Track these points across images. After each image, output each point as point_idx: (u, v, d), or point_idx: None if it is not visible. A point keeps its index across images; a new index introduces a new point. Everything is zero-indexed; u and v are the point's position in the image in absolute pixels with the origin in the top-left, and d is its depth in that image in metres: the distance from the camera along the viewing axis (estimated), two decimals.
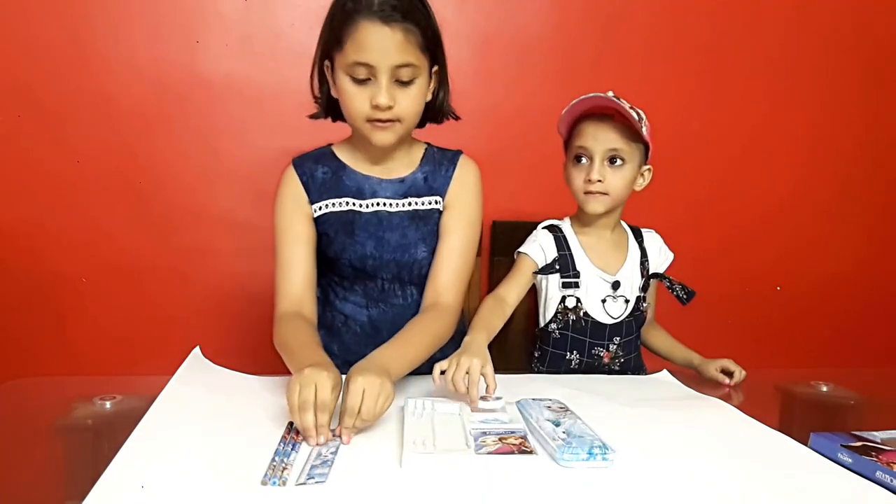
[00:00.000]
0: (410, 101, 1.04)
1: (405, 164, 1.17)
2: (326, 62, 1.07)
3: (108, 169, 1.67)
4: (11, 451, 0.81)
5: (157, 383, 0.93)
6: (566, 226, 1.27)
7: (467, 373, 0.92)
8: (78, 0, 1.61)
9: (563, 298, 1.22)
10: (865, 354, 2.09)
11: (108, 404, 0.91)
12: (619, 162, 1.17)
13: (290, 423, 0.83)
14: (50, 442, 0.86)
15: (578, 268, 1.22)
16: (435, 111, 1.15)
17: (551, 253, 1.23)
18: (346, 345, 1.20)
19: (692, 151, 1.89)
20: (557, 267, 1.22)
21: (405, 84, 1.02)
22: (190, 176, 1.71)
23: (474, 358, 0.93)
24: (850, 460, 0.78)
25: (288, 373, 0.92)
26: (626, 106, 1.14)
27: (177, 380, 0.96)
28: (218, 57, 1.68)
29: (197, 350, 1.08)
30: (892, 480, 0.72)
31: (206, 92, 1.68)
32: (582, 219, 1.25)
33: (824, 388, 1.14)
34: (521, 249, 1.26)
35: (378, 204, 1.14)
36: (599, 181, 1.16)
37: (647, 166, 1.21)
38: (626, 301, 1.23)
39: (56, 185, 1.66)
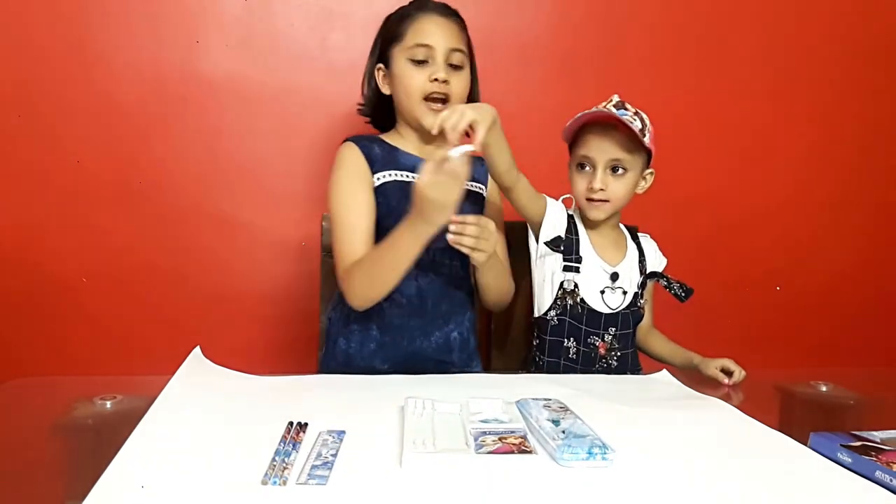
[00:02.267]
0: (461, 84, 1.20)
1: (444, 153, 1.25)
2: (380, 65, 1.23)
3: (108, 169, 1.67)
4: (11, 451, 0.81)
5: (158, 383, 0.93)
6: (574, 214, 1.30)
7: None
8: (78, 0, 1.61)
9: (562, 283, 1.24)
10: (865, 354, 2.09)
11: (108, 404, 0.91)
12: (620, 171, 1.20)
13: (290, 423, 0.83)
14: (50, 442, 0.86)
15: (582, 253, 1.25)
16: None
17: (562, 224, 1.26)
18: (386, 322, 1.21)
19: (692, 151, 1.90)
20: (562, 248, 1.24)
21: (457, 69, 1.19)
22: (190, 176, 1.71)
23: (479, 111, 1.00)
24: (849, 460, 0.78)
25: (290, 372, 0.94)
26: (631, 113, 1.17)
27: (177, 380, 0.96)
28: (218, 57, 1.68)
29: (197, 350, 1.08)
30: (891, 480, 0.72)
31: (206, 92, 1.69)
32: (584, 220, 1.28)
33: (824, 388, 1.15)
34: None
35: None
36: (601, 189, 1.19)
37: (650, 170, 1.24)
38: (624, 293, 1.24)
39: (56, 185, 1.66)
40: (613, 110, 1.17)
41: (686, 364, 1.26)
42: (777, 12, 1.90)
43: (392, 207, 1.18)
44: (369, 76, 1.27)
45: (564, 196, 1.31)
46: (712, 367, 1.19)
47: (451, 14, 1.21)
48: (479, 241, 1.08)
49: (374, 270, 1.11)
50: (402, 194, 1.17)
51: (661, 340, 1.34)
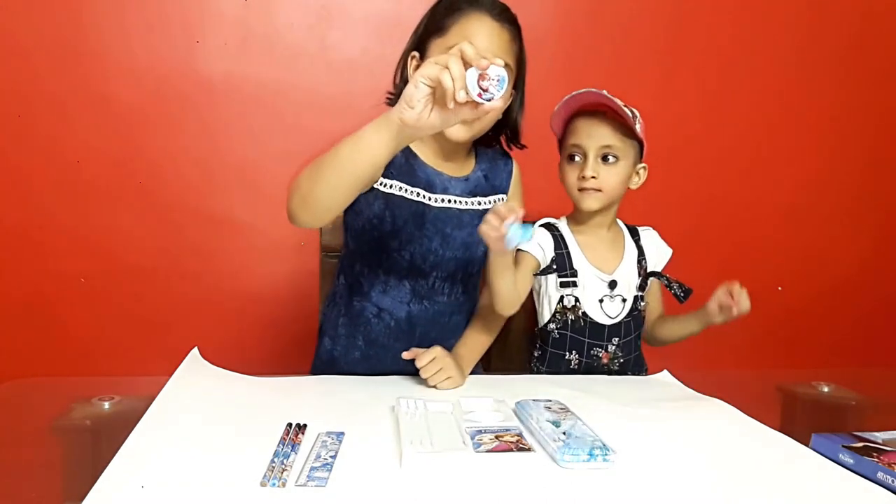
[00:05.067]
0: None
1: (468, 164, 1.20)
2: (414, 52, 1.11)
3: (108, 169, 1.67)
4: (10, 451, 0.81)
5: (156, 384, 0.92)
6: (563, 224, 1.26)
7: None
8: (78, 1, 1.61)
9: (562, 298, 1.21)
10: (867, 355, 2.08)
11: (106, 405, 0.91)
12: (612, 159, 1.17)
13: (289, 424, 0.82)
14: (48, 442, 0.86)
15: (576, 266, 1.21)
16: (507, 129, 1.20)
17: (549, 250, 1.22)
18: (372, 337, 1.17)
19: (697, 152, 1.89)
20: (555, 266, 1.21)
21: None
22: (190, 176, 1.71)
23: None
24: (851, 461, 0.78)
25: (289, 373, 0.92)
26: (620, 104, 1.14)
27: (175, 380, 0.96)
28: (218, 57, 1.68)
29: (195, 351, 1.08)
30: (893, 481, 0.72)
31: (206, 92, 1.68)
32: (578, 217, 1.25)
33: (825, 389, 1.14)
34: (521, 248, 1.24)
35: (448, 200, 1.15)
36: (593, 178, 1.16)
37: (643, 164, 1.22)
38: (624, 300, 1.23)
39: (56, 185, 1.65)
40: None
41: (702, 323, 1.22)
42: (785, 12, 1.89)
43: (398, 227, 1.12)
44: (403, 63, 1.14)
45: (541, 222, 1.26)
46: (714, 302, 1.16)
47: (507, 18, 1.07)
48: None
49: (323, 166, 0.88)
50: (410, 215, 1.12)
51: (670, 321, 1.30)
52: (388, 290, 1.17)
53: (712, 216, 1.95)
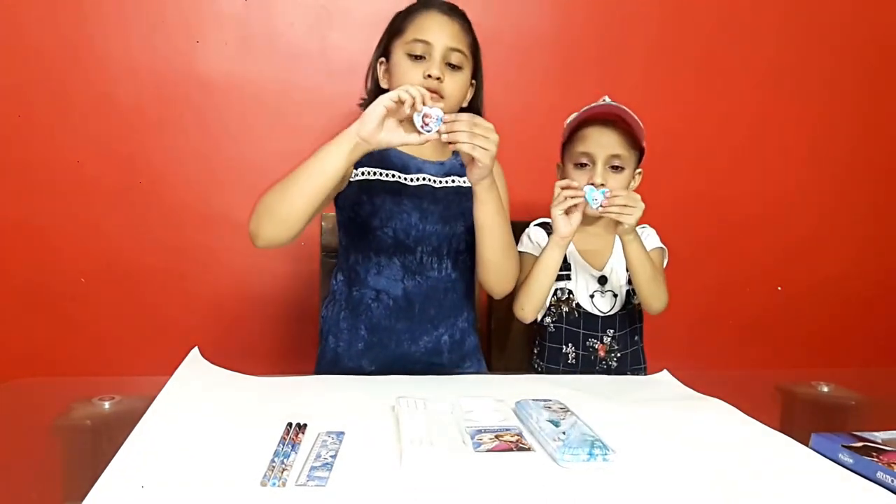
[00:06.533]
0: (456, 85, 1.17)
1: (442, 153, 1.26)
2: (381, 59, 1.23)
3: (108, 169, 1.67)
4: (10, 451, 0.81)
5: (156, 384, 0.92)
6: None
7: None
8: (78, 1, 1.61)
9: (556, 291, 1.26)
10: (866, 354, 2.08)
11: (106, 405, 0.91)
12: (619, 167, 1.22)
13: (290, 424, 0.83)
14: (49, 442, 0.86)
15: (570, 260, 1.26)
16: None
17: (544, 243, 1.25)
18: (374, 322, 1.21)
19: (692, 151, 1.89)
20: None
21: (454, 69, 1.17)
22: (190, 176, 1.71)
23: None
24: (850, 461, 0.78)
25: (289, 373, 0.91)
26: (633, 115, 1.19)
27: (175, 380, 0.96)
28: (218, 57, 1.68)
29: (195, 350, 1.08)
30: (892, 481, 0.72)
31: (205, 92, 1.68)
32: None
33: (825, 389, 1.14)
34: (521, 250, 1.28)
35: (424, 179, 1.22)
36: (602, 185, 1.19)
37: (639, 170, 1.26)
38: (615, 296, 1.25)
39: (56, 185, 1.65)
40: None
41: (622, 241, 1.21)
42: (776, 12, 1.89)
43: (376, 206, 1.18)
44: (372, 70, 1.26)
45: (536, 222, 1.33)
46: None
47: (455, 14, 1.20)
48: (475, 136, 0.99)
49: (290, 180, 1.06)
50: (387, 194, 1.19)
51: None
52: (381, 270, 1.21)
53: (711, 217, 1.94)
